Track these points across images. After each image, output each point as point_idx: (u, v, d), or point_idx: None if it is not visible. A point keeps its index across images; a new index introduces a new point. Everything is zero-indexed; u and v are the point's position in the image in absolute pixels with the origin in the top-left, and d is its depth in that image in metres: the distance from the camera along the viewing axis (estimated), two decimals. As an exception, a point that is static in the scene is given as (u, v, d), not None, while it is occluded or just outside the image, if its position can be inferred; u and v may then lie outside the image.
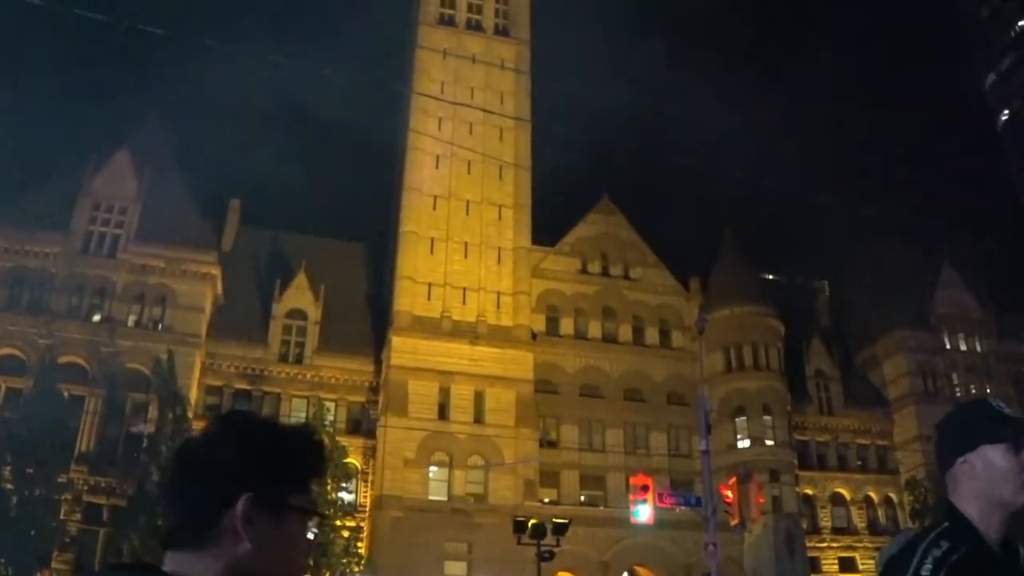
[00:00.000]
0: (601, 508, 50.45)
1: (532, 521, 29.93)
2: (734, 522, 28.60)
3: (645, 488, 27.25)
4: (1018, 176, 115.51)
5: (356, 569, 41.46)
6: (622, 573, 50.30)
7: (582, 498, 51.45)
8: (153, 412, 43.84)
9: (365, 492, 49.39)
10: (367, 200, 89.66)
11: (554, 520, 30.50)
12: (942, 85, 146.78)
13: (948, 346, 61.37)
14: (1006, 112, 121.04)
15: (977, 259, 66.47)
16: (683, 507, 31.88)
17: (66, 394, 44.26)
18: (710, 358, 53.70)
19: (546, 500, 49.61)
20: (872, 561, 56.03)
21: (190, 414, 43.66)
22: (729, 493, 27.70)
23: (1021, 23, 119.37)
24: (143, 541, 37.63)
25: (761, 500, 35.08)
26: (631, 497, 27.83)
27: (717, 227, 61.79)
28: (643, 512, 27.14)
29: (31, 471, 38.84)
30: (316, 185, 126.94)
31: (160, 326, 49.51)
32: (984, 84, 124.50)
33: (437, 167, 55.66)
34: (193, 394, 47.37)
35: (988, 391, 58.84)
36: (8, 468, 38.91)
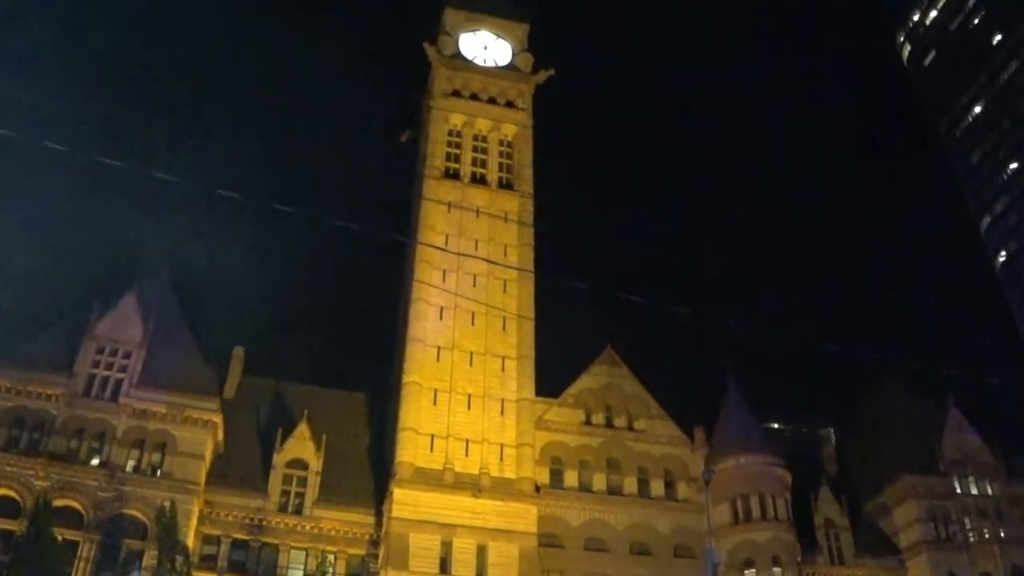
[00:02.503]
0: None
1: None
2: None
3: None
4: (1019, 316, 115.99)
5: None
6: None
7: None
8: (150, 560, 42.98)
9: (364, 650, 47.81)
10: (369, 350, 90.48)
11: None
12: (938, 227, 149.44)
13: (959, 490, 60.27)
14: (1003, 254, 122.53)
15: (982, 400, 66.15)
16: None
17: (60, 538, 43.47)
18: (717, 509, 52.99)
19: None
20: None
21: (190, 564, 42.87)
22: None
23: (1012, 166, 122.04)
24: None
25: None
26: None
27: (720, 374, 61.72)
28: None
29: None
30: (319, 334, 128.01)
31: (159, 472, 48.95)
32: (980, 226, 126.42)
33: (441, 318, 56.17)
34: (190, 543, 46.41)
35: (1001, 535, 57.83)
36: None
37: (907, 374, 65.97)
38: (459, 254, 51.85)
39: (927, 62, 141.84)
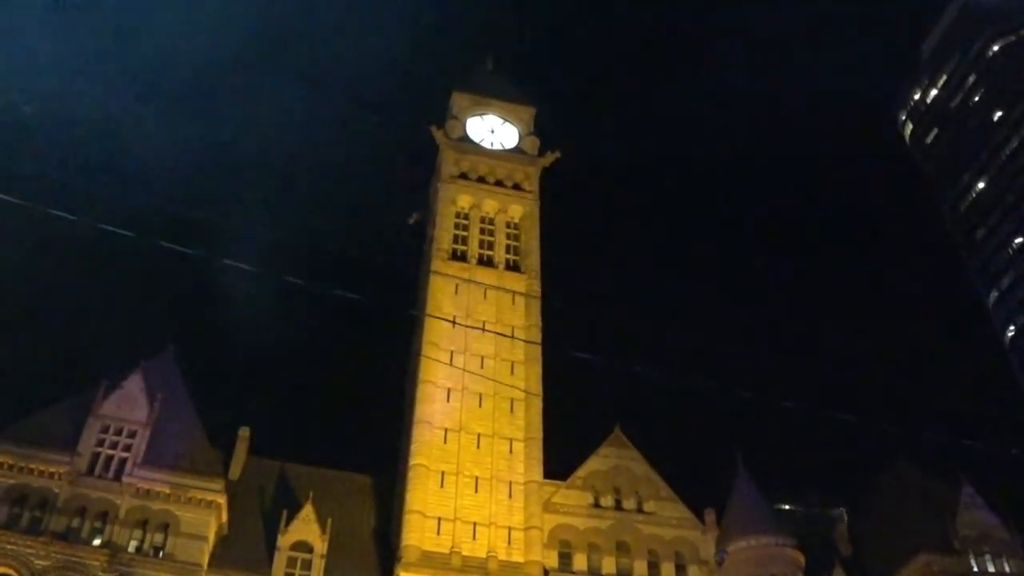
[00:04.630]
0: None
1: None
2: None
3: None
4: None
5: None
6: None
7: None
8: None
9: None
10: (376, 432, 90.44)
11: None
12: (945, 303, 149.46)
13: (975, 568, 59.03)
14: (1012, 328, 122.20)
15: (996, 477, 65.34)
16: None
17: (58, 619, 42.96)
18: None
19: None
20: None
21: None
22: None
23: (1018, 240, 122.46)
24: None
25: None
26: None
27: (730, 454, 61.26)
28: None
29: None
30: (326, 416, 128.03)
31: (161, 553, 48.37)
32: (988, 302, 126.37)
33: (448, 400, 56.16)
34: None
35: (1019, 614, 56.63)
36: None
37: (919, 453, 65.39)
38: (468, 326, 51.73)
39: (929, 140, 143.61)
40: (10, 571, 45.33)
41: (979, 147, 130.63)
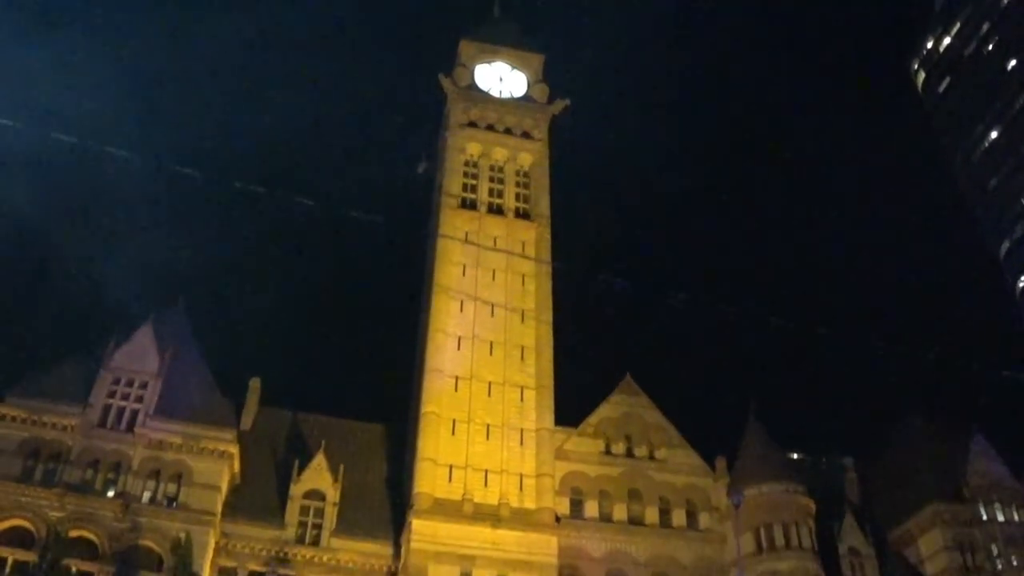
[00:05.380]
0: None
1: None
2: None
3: None
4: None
5: None
6: None
7: None
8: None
9: None
10: (387, 381, 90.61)
11: None
12: (955, 254, 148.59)
13: (985, 517, 59.29)
14: (1023, 279, 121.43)
15: (1006, 428, 65.35)
16: None
17: (74, 570, 43.66)
18: (740, 539, 52.09)
19: None
20: None
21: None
22: None
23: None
24: None
25: None
26: None
27: (742, 404, 61.21)
28: None
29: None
30: (336, 366, 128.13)
31: (175, 503, 48.68)
32: (999, 253, 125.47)
33: (459, 348, 55.91)
34: (206, 575, 46.16)
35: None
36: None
37: (930, 403, 65.29)
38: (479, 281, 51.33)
39: (942, 89, 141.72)
40: (26, 523, 45.72)
41: (992, 96, 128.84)
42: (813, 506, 55.56)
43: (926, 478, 60.31)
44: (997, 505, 59.98)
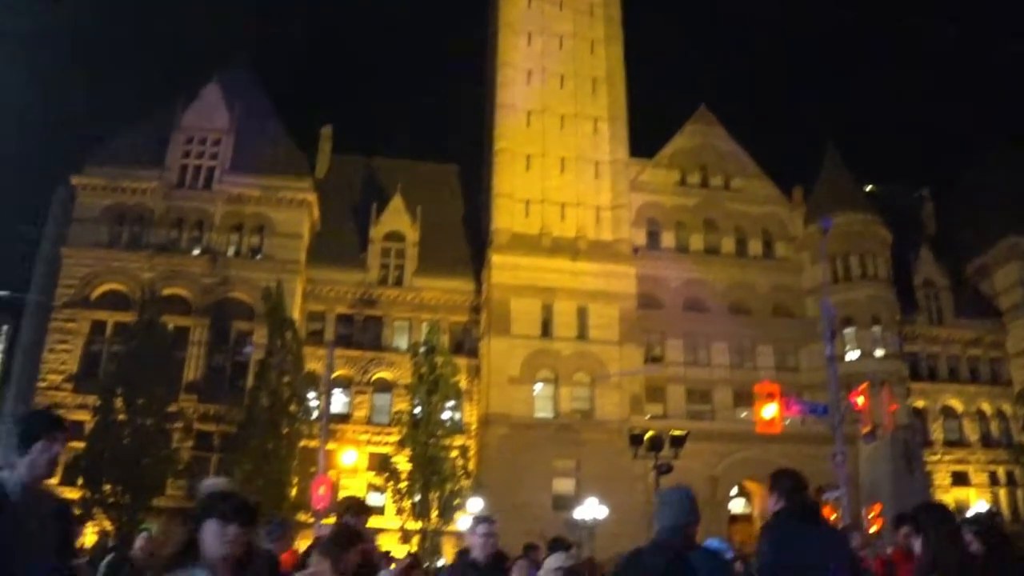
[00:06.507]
0: (708, 422, 49.50)
1: (649, 434, 27.82)
2: (865, 430, 26.89)
3: (771, 395, 25.42)
4: None
5: (466, 484, 41.56)
6: (732, 487, 49.62)
7: (688, 413, 50.64)
8: (260, 338, 44.02)
9: (471, 411, 49.34)
10: (458, 121, 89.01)
11: (671, 433, 28.89)
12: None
13: (1062, 248, 58.35)
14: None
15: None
16: (810, 415, 30.06)
17: (171, 326, 45.17)
18: (816, 268, 52.17)
19: (652, 416, 48.83)
20: (985, 475, 54.41)
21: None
22: (860, 400, 25.93)
23: None
24: (256, 465, 38.28)
25: (894, 407, 33.05)
26: (756, 405, 26.16)
27: (818, 136, 59.61)
28: (769, 416, 25.30)
29: (141, 402, 39.75)
30: (406, 109, 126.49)
31: (260, 255, 50.02)
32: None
33: (529, 83, 54.38)
34: (297, 319, 47.75)
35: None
36: (119, 399, 39.84)
37: (1009, 137, 62.84)
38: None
39: None
40: (120, 286, 47.61)
41: None
42: (890, 237, 55.06)
43: (1005, 211, 58.87)
44: (1077, 238, 58.74)
